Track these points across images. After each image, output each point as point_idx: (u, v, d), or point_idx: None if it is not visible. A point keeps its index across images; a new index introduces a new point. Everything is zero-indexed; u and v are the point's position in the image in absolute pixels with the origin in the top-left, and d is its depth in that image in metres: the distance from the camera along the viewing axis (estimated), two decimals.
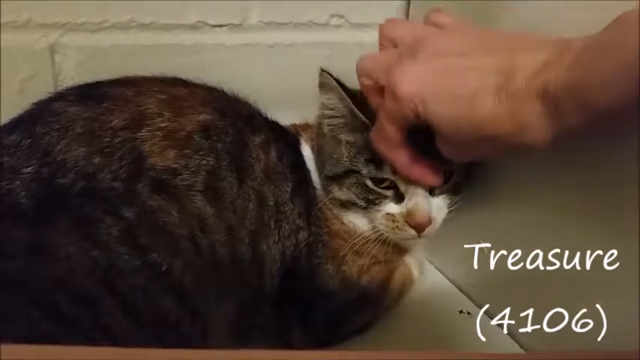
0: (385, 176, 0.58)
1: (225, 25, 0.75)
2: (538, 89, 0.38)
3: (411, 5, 0.81)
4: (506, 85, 0.40)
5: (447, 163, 0.56)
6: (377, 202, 0.60)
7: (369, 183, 0.59)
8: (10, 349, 0.27)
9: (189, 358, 0.34)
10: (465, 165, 0.61)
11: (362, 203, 0.61)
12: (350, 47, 0.80)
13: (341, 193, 0.62)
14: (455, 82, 0.43)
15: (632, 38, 0.31)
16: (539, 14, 0.53)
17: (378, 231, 0.61)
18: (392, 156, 0.52)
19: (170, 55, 0.73)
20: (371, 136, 0.53)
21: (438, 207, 0.60)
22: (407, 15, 0.82)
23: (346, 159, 0.60)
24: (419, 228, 0.58)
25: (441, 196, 0.60)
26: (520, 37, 0.44)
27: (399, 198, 0.59)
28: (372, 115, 0.58)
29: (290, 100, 0.71)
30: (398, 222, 0.59)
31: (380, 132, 0.51)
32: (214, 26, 0.74)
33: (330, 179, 0.62)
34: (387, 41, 0.54)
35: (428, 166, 0.53)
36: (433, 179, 0.54)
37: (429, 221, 0.58)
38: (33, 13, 0.67)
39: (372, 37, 0.80)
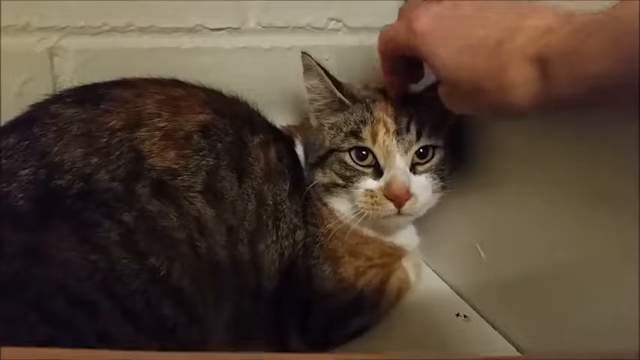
0: (365, 145, 0.60)
1: (224, 29, 0.75)
2: (534, 53, 0.39)
3: None
4: (505, 43, 0.41)
5: (429, 138, 0.60)
6: (355, 179, 0.61)
7: (347, 159, 0.61)
8: (11, 352, 0.27)
9: None
10: (451, 148, 0.63)
11: (341, 181, 0.61)
12: (348, 51, 0.80)
13: (323, 176, 0.63)
14: (464, 30, 0.45)
15: (632, 14, 0.32)
16: None
17: (358, 210, 0.61)
18: (383, 58, 0.57)
19: (169, 59, 0.73)
20: (380, 33, 0.56)
21: (419, 184, 0.60)
22: None
23: (327, 141, 0.62)
24: (397, 201, 0.58)
25: (424, 175, 0.61)
26: (540, 6, 0.44)
27: (378, 174, 0.60)
28: (351, 97, 0.62)
29: (287, 103, 0.72)
30: (376, 197, 0.59)
31: (386, 40, 0.55)
32: (213, 30, 0.74)
33: (314, 166, 0.64)
34: None
35: (399, 83, 0.61)
36: (393, 91, 0.62)
37: (407, 194, 0.58)
38: (32, 16, 0.67)
39: (370, 40, 0.81)
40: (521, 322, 0.61)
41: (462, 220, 0.70)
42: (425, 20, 0.47)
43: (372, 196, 0.60)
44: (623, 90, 0.33)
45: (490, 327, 0.65)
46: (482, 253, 0.65)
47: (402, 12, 0.54)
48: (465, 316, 0.67)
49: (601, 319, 0.49)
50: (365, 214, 0.61)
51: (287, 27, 0.77)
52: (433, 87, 0.60)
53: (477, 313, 0.68)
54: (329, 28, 0.80)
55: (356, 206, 0.61)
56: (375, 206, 0.59)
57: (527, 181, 0.57)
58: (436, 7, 0.47)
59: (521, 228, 0.59)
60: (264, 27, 0.76)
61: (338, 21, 0.80)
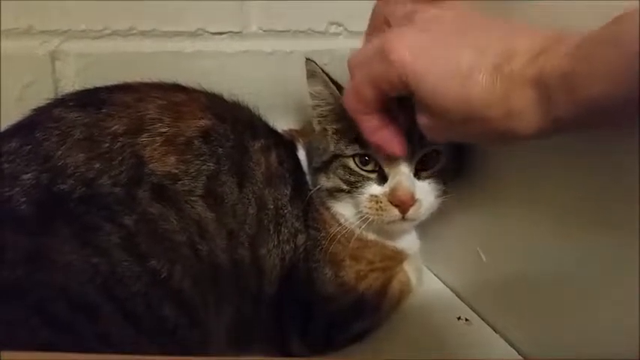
0: (368, 152, 0.60)
1: (225, 33, 0.75)
2: (533, 76, 0.37)
3: None
4: (503, 68, 0.39)
5: (432, 144, 0.58)
6: (359, 184, 0.61)
7: (351, 164, 0.61)
8: (11, 356, 0.27)
9: None
10: (454, 154, 0.62)
11: (345, 187, 0.62)
12: (348, 55, 0.80)
13: (327, 181, 0.63)
14: (451, 56, 0.41)
15: (631, 32, 0.31)
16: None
17: (362, 216, 0.61)
18: (362, 119, 0.50)
19: (171, 62, 0.73)
20: (344, 95, 0.50)
21: (423, 190, 0.60)
22: None
23: (332, 146, 0.62)
24: (402, 206, 0.58)
25: (427, 181, 0.61)
26: (519, 25, 0.43)
27: (383, 180, 0.60)
28: None
29: (289, 107, 0.72)
30: (381, 202, 0.59)
31: (356, 92, 0.48)
32: (214, 34, 0.75)
33: (318, 170, 0.64)
34: (379, 20, 0.53)
35: (395, 134, 0.51)
36: (397, 148, 0.52)
37: (412, 199, 0.58)
38: (34, 20, 0.68)
39: None
40: (522, 326, 0.61)
41: (463, 224, 0.70)
42: (402, 47, 0.42)
43: (376, 202, 0.60)
44: (625, 111, 0.33)
45: (491, 330, 0.65)
46: (483, 256, 0.65)
47: (364, 54, 0.48)
48: (467, 320, 0.67)
49: (601, 323, 0.49)
50: (369, 220, 0.61)
51: (288, 31, 0.78)
52: None
53: (478, 316, 0.68)
54: (330, 32, 0.80)
55: (360, 212, 0.61)
56: (380, 212, 0.60)
57: (527, 185, 0.57)
58: (411, 31, 0.43)
59: (522, 232, 0.59)
60: (265, 31, 0.77)
61: (339, 25, 0.80)
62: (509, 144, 0.46)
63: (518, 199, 0.59)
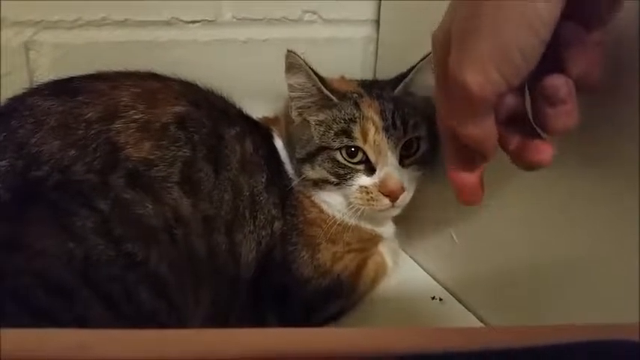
0: (356, 144, 0.61)
1: (199, 22, 0.75)
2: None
3: (382, 4, 0.82)
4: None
5: (413, 130, 0.61)
6: (348, 177, 0.62)
7: (339, 157, 0.62)
8: (10, 334, 0.27)
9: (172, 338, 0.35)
10: (432, 138, 0.64)
11: (334, 179, 0.63)
12: (323, 43, 0.81)
13: (313, 172, 0.64)
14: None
15: None
16: None
17: (353, 207, 0.63)
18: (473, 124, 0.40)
19: (145, 52, 0.73)
20: (441, 115, 0.43)
21: (408, 177, 0.62)
22: (378, 14, 0.83)
23: (316, 138, 0.63)
24: (393, 195, 0.60)
25: (411, 167, 0.63)
26: None
27: (371, 171, 0.62)
28: (338, 92, 0.62)
29: (263, 95, 0.72)
30: (372, 193, 0.61)
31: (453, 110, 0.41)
32: (188, 22, 0.75)
33: (302, 161, 0.64)
34: None
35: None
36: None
37: (402, 189, 0.60)
38: (6, 11, 0.67)
39: (344, 33, 0.83)
40: (494, 304, 0.63)
41: (437, 208, 0.71)
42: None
43: (367, 193, 0.61)
44: None
45: (463, 307, 0.67)
46: (455, 238, 0.67)
47: None
48: (440, 299, 0.69)
49: (572, 300, 0.50)
50: (360, 210, 0.62)
51: (262, 19, 0.78)
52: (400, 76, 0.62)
53: (452, 295, 0.70)
54: (304, 20, 0.81)
55: (350, 202, 0.63)
56: (371, 202, 0.61)
57: (500, 167, 0.59)
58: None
59: (494, 215, 0.60)
60: (239, 19, 0.77)
61: (313, 13, 0.81)
62: None
63: (491, 182, 0.60)
